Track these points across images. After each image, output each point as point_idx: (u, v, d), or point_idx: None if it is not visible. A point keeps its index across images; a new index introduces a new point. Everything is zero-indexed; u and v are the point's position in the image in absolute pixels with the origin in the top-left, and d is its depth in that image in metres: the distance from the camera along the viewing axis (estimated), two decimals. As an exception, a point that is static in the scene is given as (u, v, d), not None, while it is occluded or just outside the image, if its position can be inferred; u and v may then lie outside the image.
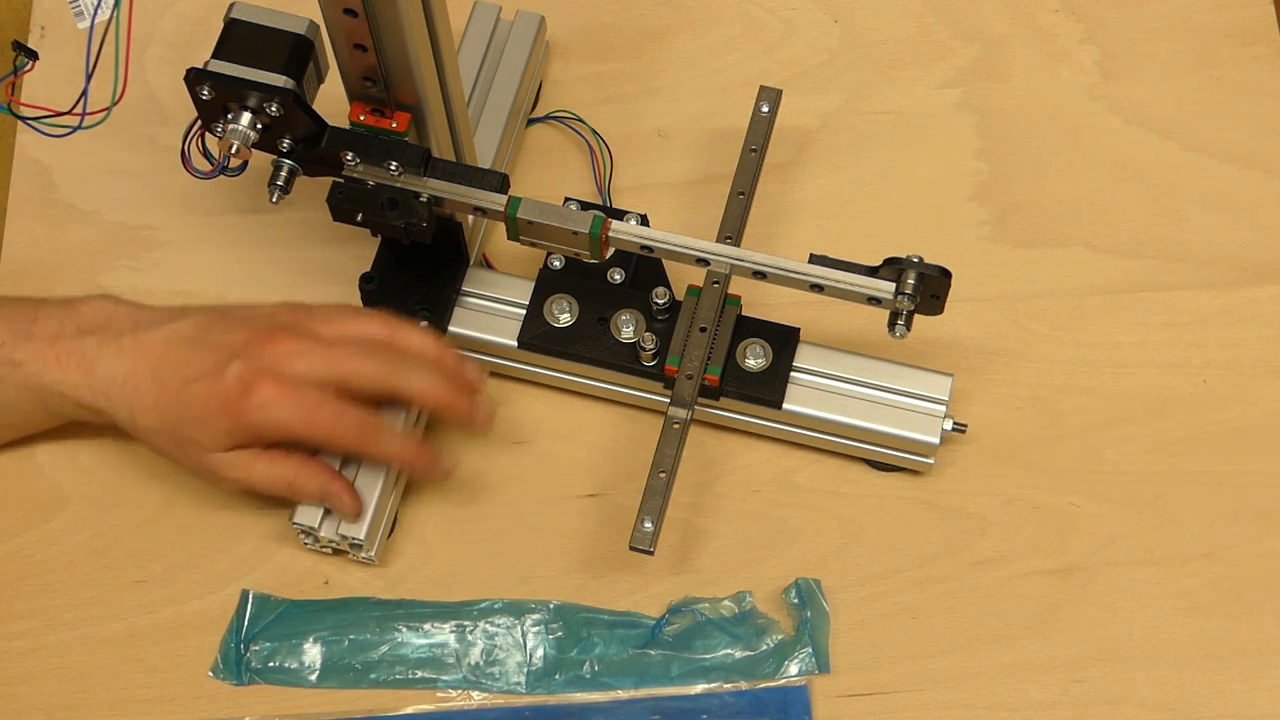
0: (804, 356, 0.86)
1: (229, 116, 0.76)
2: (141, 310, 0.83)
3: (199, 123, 0.78)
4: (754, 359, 0.85)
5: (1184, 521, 0.87)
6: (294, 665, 0.84)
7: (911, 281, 0.78)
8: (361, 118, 0.80)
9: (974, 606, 0.85)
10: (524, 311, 0.87)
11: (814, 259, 0.80)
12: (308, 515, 0.83)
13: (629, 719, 0.83)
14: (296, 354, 0.79)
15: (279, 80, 0.75)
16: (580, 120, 0.97)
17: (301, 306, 0.83)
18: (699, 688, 0.84)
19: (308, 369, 0.79)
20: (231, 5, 0.77)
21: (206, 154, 0.79)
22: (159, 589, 0.86)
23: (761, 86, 0.91)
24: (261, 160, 0.79)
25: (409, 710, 0.84)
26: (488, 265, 0.92)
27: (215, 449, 0.80)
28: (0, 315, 0.82)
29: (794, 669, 0.84)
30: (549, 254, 0.88)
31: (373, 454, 0.82)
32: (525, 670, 0.84)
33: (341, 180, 0.79)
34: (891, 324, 0.79)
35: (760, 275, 0.80)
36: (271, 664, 0.84)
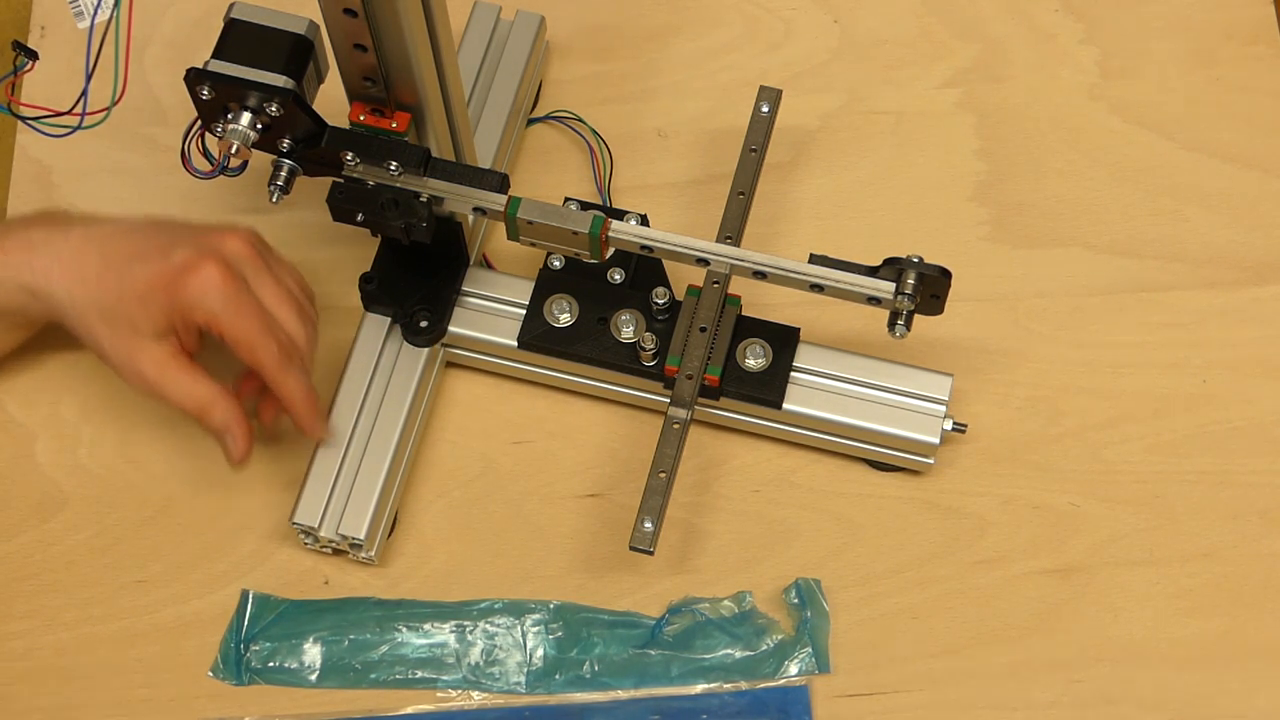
0: (804, 356, 0.86)
1: (229, 116, 0.76)
2: (95, 215, 0.84)
3: (199, 123, 0.78)
4: (754, 359, 0.85)
5: (1184, 521, 0.87)
6: (294, 665, 0.84)
7: (911, 281, 0.78)
8: (361, 118, 0.80)
9: (974, 606, 0.85)
10: (524, 311, 0.87)
11: (814, 259, 0.80)
12: (308, 515, 0.83)
13: (629, 719, 0.83)
14: (246, 259, 0.80)
15: (279, 80, 0.75)
16: (580, 120, 0.97)
17: (195, 224, 0.84)
18: (699, 688, 0.84)
19: (253, 277, 0.80)
20: (231, 5, 0.77)
21: (206, 154, 0.79)
22: (159, 589, 0.86)
23: (761, 86, 0.91)
24: (262, 160, 0.79)
25: (409, 710, 0.84)
26: (488, 265, 0.92)
27: (144, 332, 0.79)
28: None
29: (794, 669, 0.84)
30: (549, 254, 0.88)
31: (279, 381, 0.81)
32: (525, 670, 0.84)
33: (341, 180, 0.79)
34: (891, 324, 0.79)
35: (760, 275, 0.80)
36: (271, 664, 0.84)
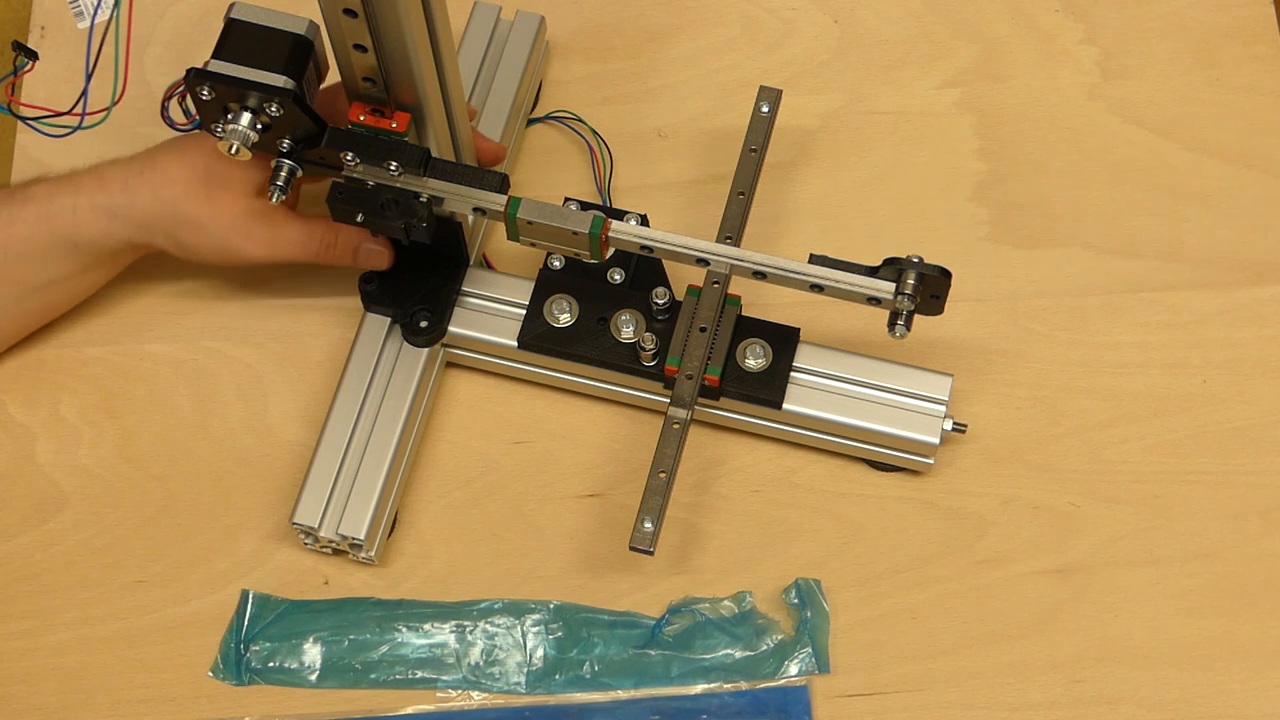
0: (804, 356, 0.86)
1: (229, 116, 0.76)
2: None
3: (181, 85, 0.78)
4: (754, 359, 0.85)
5: (1184, 521, 0.87)
6: (294, 665, 0.84)
7: (911, 281, 0.78)
8: (361, 118, 0.80)
9: (974, 606, 0.85)
10: (524, 311, 0.87)
11: (814, 259, 0.80)
12: (308, 515, 0.83)
13: (629, 719, 0.83)
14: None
15: (279, 80, 0.75)
16: (580, 120, 0.97)
17: None
18: (699, 688, 0.84)
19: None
20: (231, 5, 0.77)
21: (185, 110, 0.79)
22: (159, 589, 0.86)
23: (761, 86, 0.91)
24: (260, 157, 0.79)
25: (409, 710, 0.84)
26: (488, 265, 0.92)
27: (244, 191, 0.82)
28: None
29: (794, 669, 0.84)
30: (549, 254, 0.88)
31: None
32: (525, 670, 0.84)
33: (341, 180, 0.79)
34: (891, 324, 0.79)
35: (760, 275, 0.80)
36: (271, 664, 0.84)
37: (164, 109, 0.79)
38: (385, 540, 0.86)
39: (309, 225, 0.85)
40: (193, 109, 0.78)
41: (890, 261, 0.78)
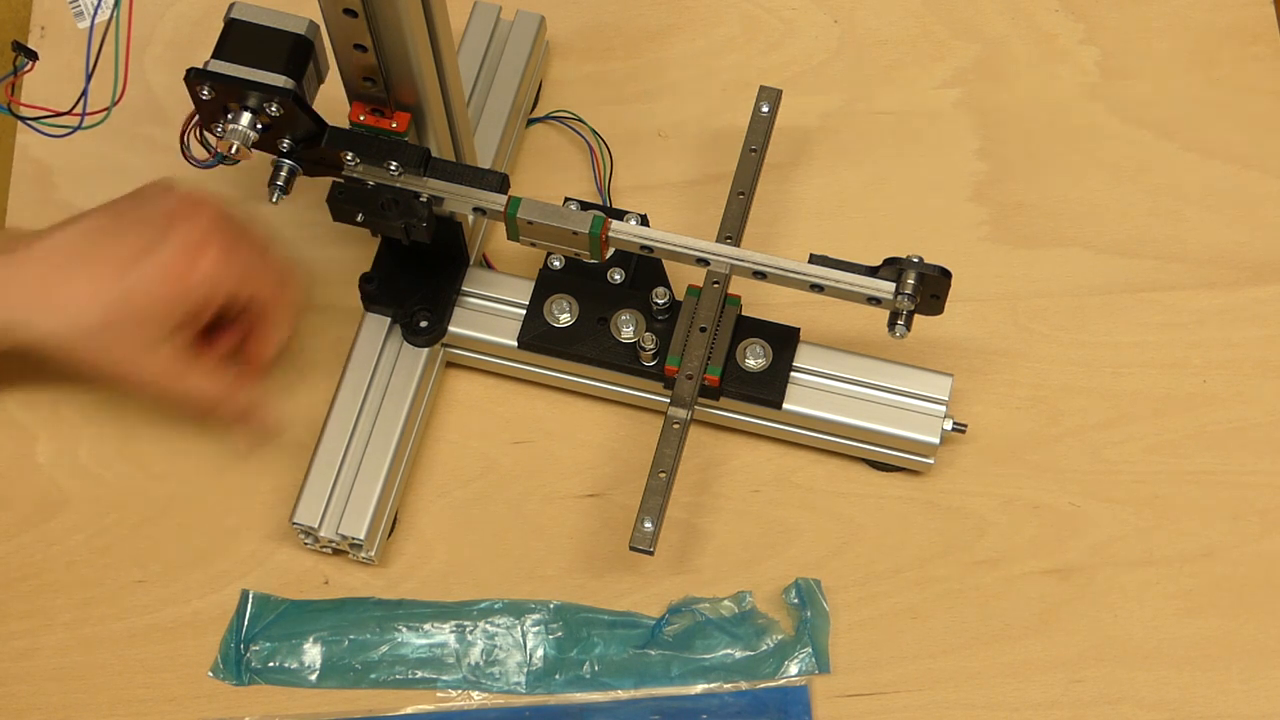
0: (804, 356, 0.86)
1: (229, 116, 0.76)
2: (22, 230, 0.79)
3: (196, 115, 0.78)
4: (754, 359, 0.85)
5: (1184, 521, 0.87)
6: (294, 665, 0.84)
7: (911, 281, 0.78)
8: (361, 118, 0.80)
9: (974, 606, 0.85)
10: (524, 311, 0.87)
11: (814, 259, 0.80)
12: (308, 515, 0.83)
13: (629, 719, 0.83)
14: (223, 218, 0.79)
15: (279, 80, 0.75)
16: (580, 120, 0.97)
17: (137, 198, 0.81)
18: (699, 688, 0.84)
19: (239, 230, 0.79)
20: (231, 5, 0.77)
21: (204, 143, 0.79)
22: (159, 589, 0.86)
23: (761, 86, 0.91)
24: (260, 156, 0.79)
25: (409, 710, 0.84)
26: (488, 265, 0.92)
27: (154, 335, 0.76)
28: None
29: (794, 669, 0.84)
30: (549, 254, 0.88)
31: (282, 309, 0.81)
32: (525, 670, 0.84)
33: (341, 180, 0.79)
34: (891, 324, 0.79)
35: (760, 275, 0.80)
36: (271, 664, 0.84)
37: (183, 145, 0.78)
38: (385, 540, 0.86)
39: (207, 378, 0.81)
40: (213, 143, 0.77)
41: (890, 261, 0.78)
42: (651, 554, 0.79)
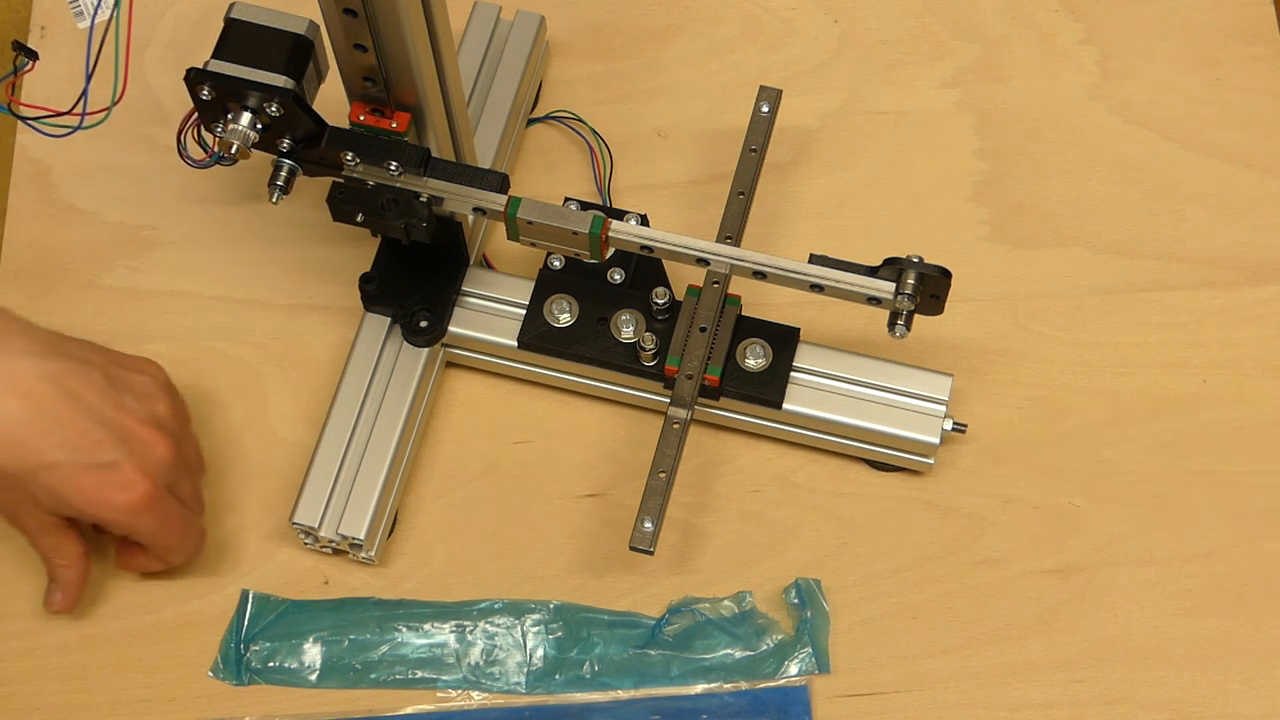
0: (804, 356, 0.86)
1: (229, 116, 0.76)
2: (13, 316, 0.77)
3: (195, 113, 0.78)
4: (754, 359, 0.85)
5: (1184, 521, 0.87)
6: (294, 665, 0.84)
7: (911, 281, 0.78)
8: (361, 118, 0.80)
9: (974, 606, 0.85)
10: (524, 311, 0.87)
11: (814, 259, 0.80)
12: (308, 515, 0.83)
13: (629, 719, 0.83)
14: (170, 464, 0.79)
15: (279, 80, 0.75)
16: (580, 120, 0.97)
17: (124, 381, 0.79)
18: (699, 688, 0.84)
19: (174, 483, 0.80)
20: (231, 5, 0.77)
21: (201, 142, 0.79)
22: (159, 589, 0.86)
23: (761, 86, 0.91)
24: (260, 156, 0.79)
25: (409, 710, 0.84)
26: (488, 265, 0.92)
27: (43, 507, 0.78)
28: None
29: (794, 669, 0.84)
30: (549, 254, 0.88)
31: (165, 559, 0.83)
32: (525, 670, 0.84)
33: (341, 180, 0.79)
34: (891, 324, 0.79)
35: (760, 275, 0.80)
36: (271, 664, 0.84)
37: (180, 145, 0.78)
38: (385, 540, 0.86)
39: (69, 546, 0.82)
40: (210, 142, 0.77)
41: (890, 261, 0.78)
42: (651, 554, 0.79)
